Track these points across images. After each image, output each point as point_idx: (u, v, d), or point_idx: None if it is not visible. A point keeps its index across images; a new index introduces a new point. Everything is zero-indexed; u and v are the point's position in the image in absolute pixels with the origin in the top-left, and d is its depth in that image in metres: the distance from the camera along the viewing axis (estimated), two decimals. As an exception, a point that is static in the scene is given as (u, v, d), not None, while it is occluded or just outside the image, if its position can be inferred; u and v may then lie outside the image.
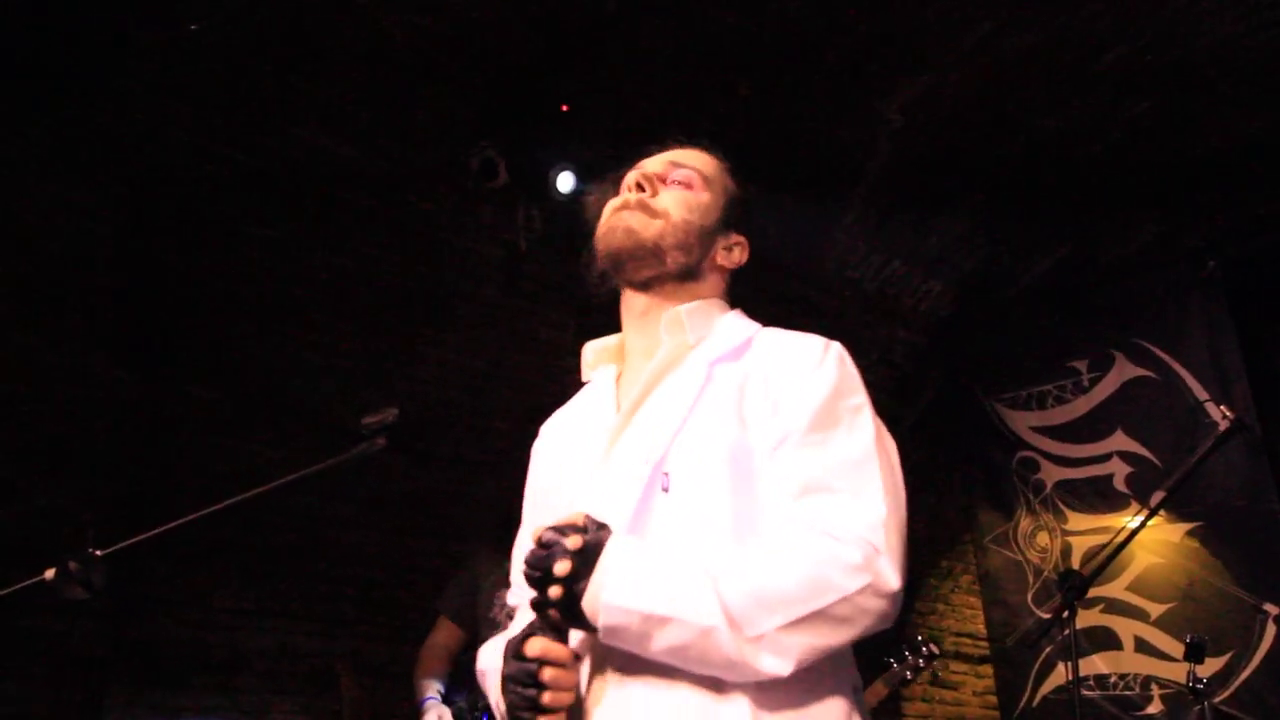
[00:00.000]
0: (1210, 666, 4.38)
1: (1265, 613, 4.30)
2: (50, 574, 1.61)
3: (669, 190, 1.53)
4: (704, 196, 1.53)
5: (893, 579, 1.20)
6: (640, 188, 1.50)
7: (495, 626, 2.74)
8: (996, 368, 5.41)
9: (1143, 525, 3.44)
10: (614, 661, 1.25)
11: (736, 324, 1.51)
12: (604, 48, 3.69)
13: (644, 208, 1.49)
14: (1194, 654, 3.14)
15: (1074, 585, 3.26)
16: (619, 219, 1.49)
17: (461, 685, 2.80)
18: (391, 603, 3.67)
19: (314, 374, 3.69)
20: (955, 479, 5.57)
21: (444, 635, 2.98)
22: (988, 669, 5.48)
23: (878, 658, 3.95)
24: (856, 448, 1.29)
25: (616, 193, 1.56)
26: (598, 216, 1.58)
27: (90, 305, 3.24)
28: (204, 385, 3.47)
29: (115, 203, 3.22)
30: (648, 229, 1.47)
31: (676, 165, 1.55)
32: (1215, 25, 3.69)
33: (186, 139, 3.34)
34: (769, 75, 3.92)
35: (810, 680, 1.20)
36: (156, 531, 1.71)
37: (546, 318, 4.30)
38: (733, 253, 1.57)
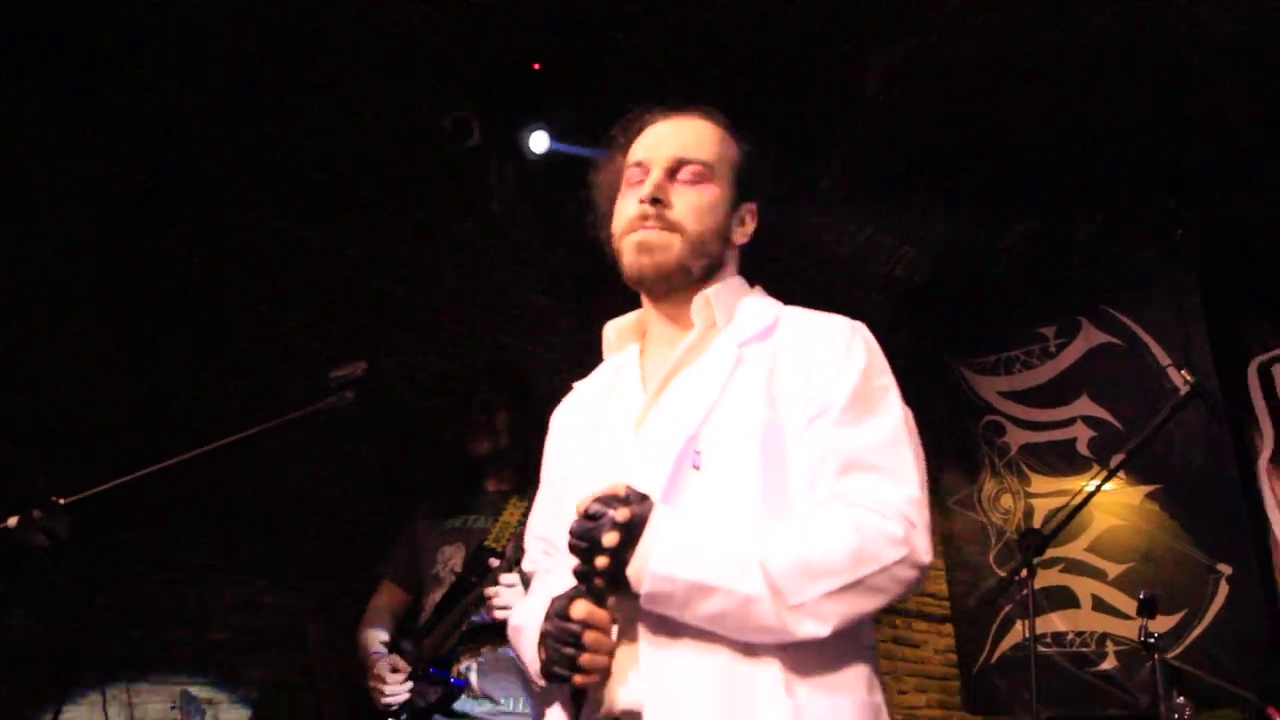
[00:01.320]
0: (1164, 623, 4.51)
1: (1219, 572, 4.41)
2: (13, 521, 1.61)
3: (680, 193, 1.51)
4: (714, 191, 1.53)
5: (926, 552, 1.28)
6: (655, 199, 1.48)
7: (438, 583, 2.76)
8: (966, 333, 5.46)
9: (1099, 487, 3.52)
10: (648, 625, 1.29)
11: (762, 305, 1.54)
12: (583, 12, 3.66)
13: (661, 220, 1.48)
14: (1146, 609, 3.21)
15: (1033, 544, 3.34)
16: (640, 242, 1.49)
17: (406, 646, 2.81)
18: (362, 560, 3.68)
19: (292, 336, 3.67)
20: (924, 443, 5.62)
21: (387, 597, 2.99)
22: (949, 628, 5.56)
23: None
24: (890, 427, 1.36)
25: (621, 173, 1.58)
26: (606, 196, 1.60)
27: (75, 276, 3.20)
28: (181, 347, 3.43)
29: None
30: (669, 251, 1.48)
31: (683, 162, 1.52)
32: (1191, 2, 3.71)
33: (167, 113, 3.31)
34: (749, 38, 3.89)
35: (836, 643, 1.27)
36: (120, 481, 1.71)
37: (525, 282, 4.29)
38: (745, 225, 1.58)
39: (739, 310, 1.51)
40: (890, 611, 5.46)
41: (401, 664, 2.64)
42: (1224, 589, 4.40)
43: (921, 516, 1.30)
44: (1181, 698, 3.68)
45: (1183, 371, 3.66)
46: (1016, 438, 5.12)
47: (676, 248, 1.48)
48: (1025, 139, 4.54)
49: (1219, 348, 4.57)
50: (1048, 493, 4.92)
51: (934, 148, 4.60)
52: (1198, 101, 4.28)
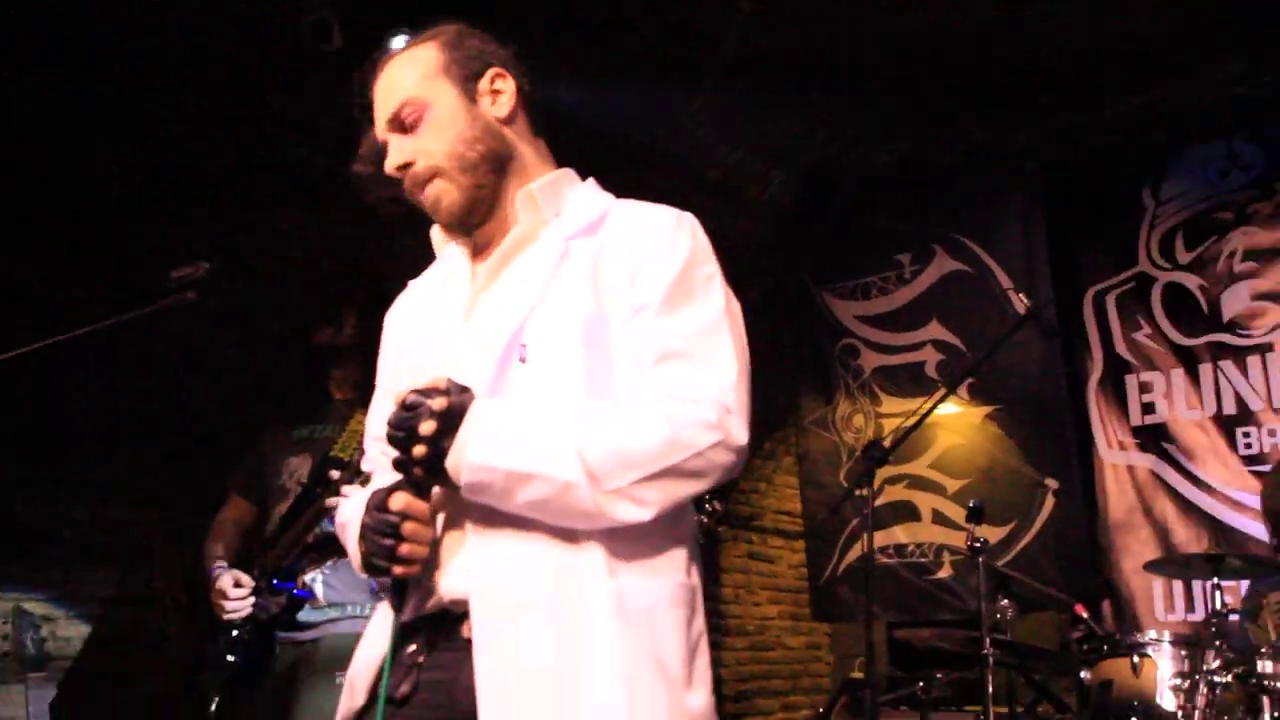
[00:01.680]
0: (996, 534, 4.81)
1: (1046, 486, 4.71)
2: None
3: (416, 140, 1.46)
4: (439, 110, 1.47)
5: (741, 435, 1.32)
6: (400, 167, 1.46)
7: (284, 494, 2.75)
8: (828, 259, 5.58)
9: (935, 405, 3.71)
10: (473, 515, 1.31)
11: (591, 197, 1.53)
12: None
13: (416, 180, 1.46)
14: (974, 516, 3.43)
15: (874, 456, 3.53)
16: (423, 204, 1.48)
17: (254, 559, 2.79)
18: (210, 474, 3.60)
19: (136, 236, 3.52)
20: (785, 365, 5.76)
21: (233, 511, 2.96)
22: (802, 543, 5.80)
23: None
24: (709, 315, 1.38)
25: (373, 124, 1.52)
26: (374, 159, 1.56)
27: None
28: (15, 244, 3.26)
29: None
30: (449, 197, 1.46)
31: (398, 112, 1.47)
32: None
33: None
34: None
35: (657, 528, 1.31)
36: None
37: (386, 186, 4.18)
38: (500, 99, 1.51)
39: (567, 203, 1.51)
40: (746, 528, 5.66)
41: (244, 578, 2.62)
42: (1050, 502, 4.71)
43: (738, 400, 1.33)
44: (1005, 600, 3.97)
45: (1020, 295, 3.85)
46: (870, 360, 5.30)
47: (451, 190, 1.46)
48: (887, 68, 4.62)
49: (1059, 276, 4.80)
50: (897, 413, 5.09)
51: (799, 73, 4.63)
52: (1049, 35, 4.40)
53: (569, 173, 1.57)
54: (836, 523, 5.27)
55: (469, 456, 1.24)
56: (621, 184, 1.60)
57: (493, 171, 1.48)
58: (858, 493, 4.08)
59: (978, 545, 3.36)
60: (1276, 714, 2.70)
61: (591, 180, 1.59)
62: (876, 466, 3.49)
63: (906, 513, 5.11)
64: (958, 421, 5.02)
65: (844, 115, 5.00)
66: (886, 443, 3.87)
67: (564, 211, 1.49)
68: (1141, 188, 4.76)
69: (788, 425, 5.80)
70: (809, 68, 4.64)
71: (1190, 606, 4.40)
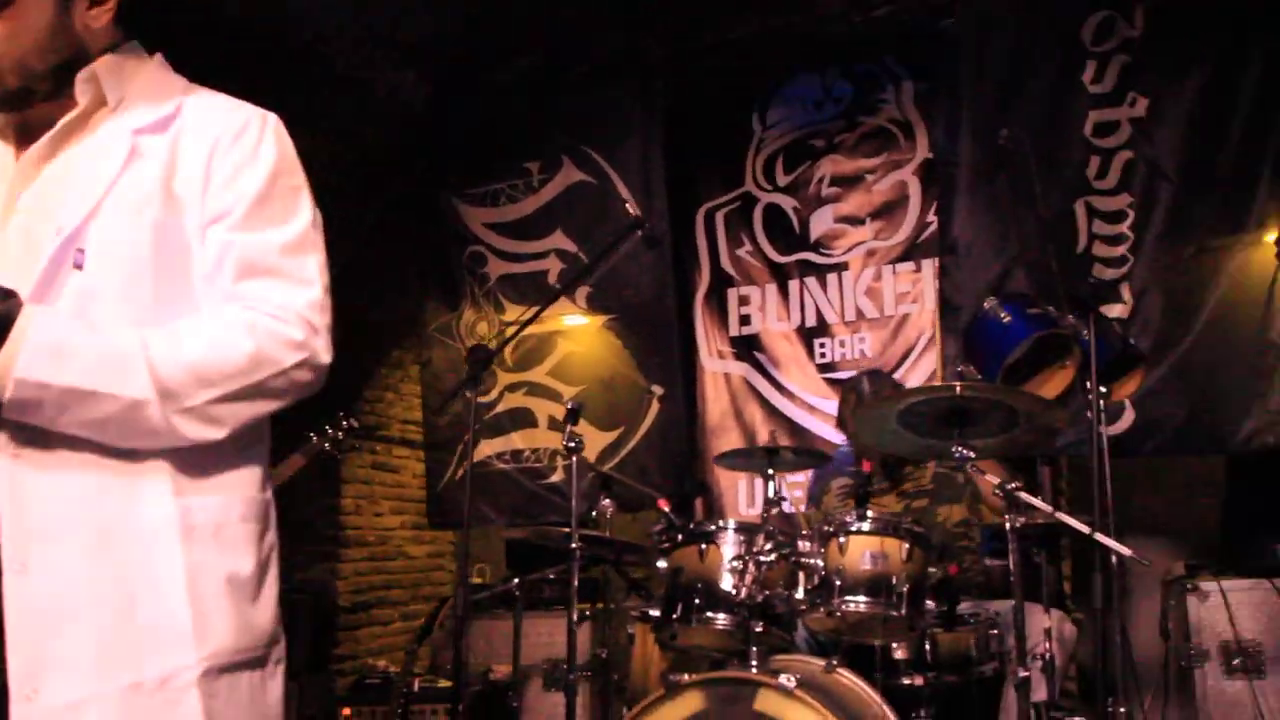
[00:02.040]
0: (606, 439, 5.01)
1: (653, 393, 4.94)
2: None
3: None
4: (24, 14, 1.31)
5: (326, 354, 1.31)
6: None
7: None
8: (458, 165, 5.45)
9: (539, 312, 3.74)
10: (10, 436, 1.18)
11: (162, 82, 1.39)
12: None
13: None
14: (571, 418, 3.51)
15: (479, 358, 3.53)
16: None
17: None
18: None
19: None
20: (411, 272, 5.64)
21: None
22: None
23: (300, 432, 3.97)
24: (296, 230, 1.33)
25: None
26: None
27: None
28: None
29: None
30: None
31: None
32: None
33: None
34: None
35: (230, 445, 1.26)
36: None
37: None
38: (98, 9, 1.36)
39: (134, 88, 1.36)
40: (371, 438, 5.54)
41: None
42: (656, 407, 4.93)
43: (323, 320, 1.32)
44: (607, 500, 4.14)
45: (629, 205, 3.95)
46: (496, 268, 5.28)
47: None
48: None
49: (675, 192, 4.97)
50: (517, 320, 5.15)
51: None
52: None
53: (135, 49, 1.41)
54: (456, 430, 5.25)
55: (18, 371, 1.11)
56: (238, 78, 1.46)
57: (57, 76, 1.33)
58: (467, 397, 4.09)
59: (571, 445, 3.45)
60: (809, 586, 3.01)
61: (159, 57, 1.44)
62: (481, 370, 3.49)
63: (524, 419, 5.19)
64: (577, 330, 5.14)
65: (478, 19, 4.87)
66: (492, 344, 3.89)
67: (130, 96, 1.35)
68: (752, 112, 5.02)
69: (414, 334, 5.68)
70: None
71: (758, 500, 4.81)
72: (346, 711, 4.50)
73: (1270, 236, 3.96)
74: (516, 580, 3.99)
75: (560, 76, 5.15)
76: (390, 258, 5.43)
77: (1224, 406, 3.99)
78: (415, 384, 5.82)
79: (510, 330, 5.11)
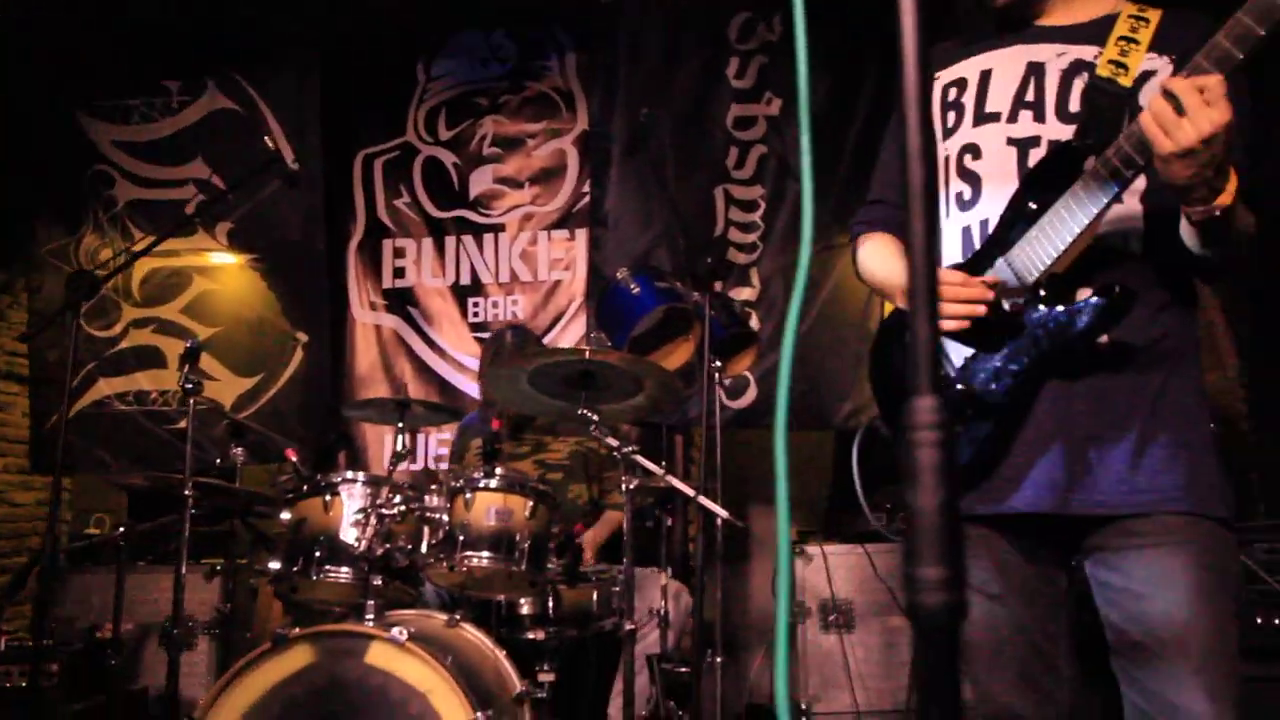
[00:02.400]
0: (244, 384, 4.81)
1: (297, 340, 4.79)
2: None
3: None
4: None
5: None
6: None
7: None
8: (86, 72, 4.94)
9: (151, 247, 3.48)
10: None
11: None
12: None
13: None
14: (189, 357, 3.32)
15: (79, 285, 3.27)
16: None
17: None
18: None
19: None
20: (23, 186, 5.05)
21: None
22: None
23: None
24: None
25: None
26: None
27: None
28: None
29: None
30: None
31: None
32: None
33: None
34: None
35: None
36: None
37: None
38: None
39: None
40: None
41: None
42: (300, 355, 4.80)
43: None
44: (240, 449, 3.96)
45: (266, 139, 3.78)
46: (125, 191, 4.87)
47: None
48: None
49: (333, 135, 4.82)
50: (153, 253, 4.81)
51: None
52: None
53: None
54: (66, 366, 4.83)
55: None
56: None
57: None
58: (80, 328, 3.78)
59: (189, 387, 3.27)
60: (433, 541, 3.04)
61: None
62: (85, 298, 3.22)
63: (152, 359, 4.86)
64: (216, 269, 4.88)
65: None
66: (101, 272, 3.60)
67: None
68: (417, 61, 4.95)
69: (24, 256, 5.12)
70: None
71: (413, 458, 4.81)
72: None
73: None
74: (121, 530, 3.71)
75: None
76: (-2, 168, 4.87)
77: (830, 388, 4.46)
78: (25, 312, 5.26)
79: (143, 263, 4.78)
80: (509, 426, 3.90)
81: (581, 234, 4.78)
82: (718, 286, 3.58)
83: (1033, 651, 1.85)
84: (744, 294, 4.52)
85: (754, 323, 4.50)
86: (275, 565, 3.05)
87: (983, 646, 1.86)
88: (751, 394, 4.55)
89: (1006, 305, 1.76)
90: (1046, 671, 1.86)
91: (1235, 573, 1.80)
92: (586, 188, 4.78)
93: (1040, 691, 1.85)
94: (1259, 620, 2.89)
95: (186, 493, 3.19)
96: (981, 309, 1.76)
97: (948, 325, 1.79)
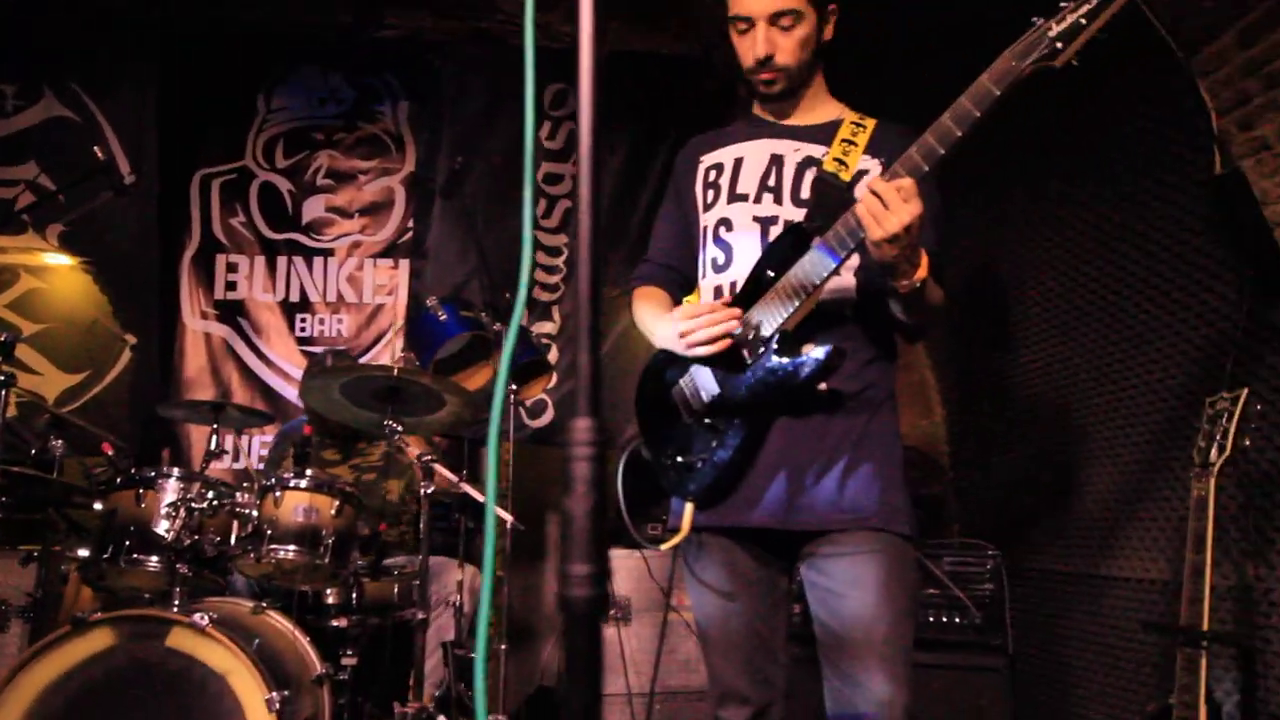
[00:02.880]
0: (70, 380, 4.52)
1: (125, 341, 4.53)
2: None
3: None
4: None
5: None
6: None
7: None
8: None
9: None
10: None
11: None
12: None
13: None
14: (4, 351, 3.13)
15: None
16: None
17: None
18: None
19: None
20: None
21: None
22: None
23: None
24: None
25: None
26: None
27: None
28: None
29: None
30: None
31: None
32: None
33: None
34: None
35: None
36: None
37: None
38: None
39: None
40: None
41: None
42: (128, 355, 4.54)
43: None
44: (59, 440, 3.70)
45: (96, 149, 3.58)
46: (-49, 188, 4.51)
47: None
48: None
49: (172, 151, 4.58)
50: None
51: None
52: None
53: None
54: None
55: None
56: None
57: None
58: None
59: (4, 377, 3.07)
60: (241, 534, 2.95)
61: None
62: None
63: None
64: (47, 269, 4.55)
65: None
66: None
67: None
68: (258, 92, 4.80)
69: None
70: None
71: (236, 456, 4.62)
72: None
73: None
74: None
75: (50, 3, 4.49)
76: None
77: (616, 415, 4.55)
78: None
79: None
80: (327, 435, 3.83)
81: (404, 264, 4.76)
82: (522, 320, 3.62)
83: (757, 642, 1.92)
84: (546, 328, 4.60)
85: (553, 354, 4.58)
86: (84, 552, 2.91)
87: (717, 638, 1.95)
88: (549, 415, 4.61)
89: (748, 357, 1.85)
90: (768, 658, 1.93)
91: (913, 579, 1.95)
92: (410, 223, 4.76)
93: (762, 675, 1.92)
94: (943, 619, 3.05)
95: (-5, 481, 2.96)
96: (734, 327, 1.84)
97: (701, 351, 1.86)
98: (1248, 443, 2.35)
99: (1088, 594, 3.14)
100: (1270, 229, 2.39)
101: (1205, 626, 2.25)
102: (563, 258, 4.64)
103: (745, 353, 1.86)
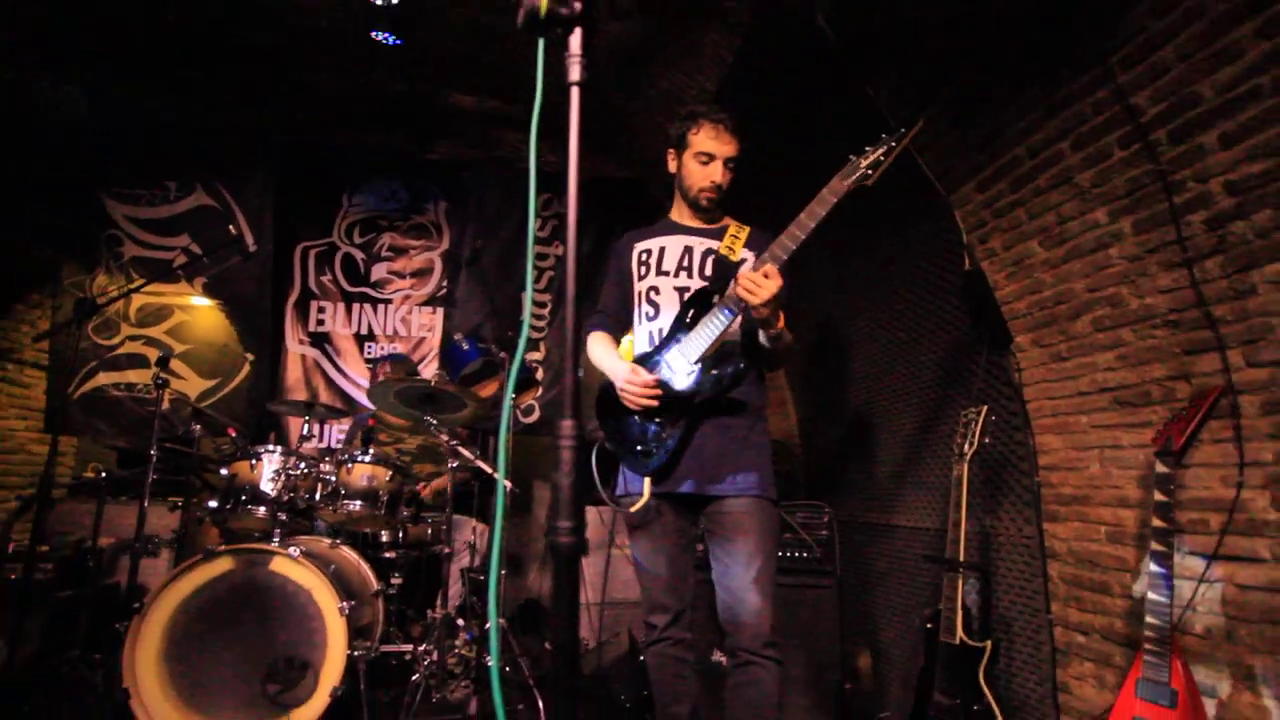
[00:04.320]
0: (205, 384, 4.42)
1: (246, 358, 4.46)
2: None
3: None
4: None
5: None
6: None
7: None
8: (114, 170, 4.41)
9: (139, 288, 3.24)
10: None
11: None
12: None
13: None
14: (161, 363, 3.10)
15: (84, 309, 2.97)
16: None
17: None
18: None
19: None
20: (55, 237, 4.45)
21: None
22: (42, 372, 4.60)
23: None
24: None
25: None
26: None
27: None
28: None
29: None
30: None
31: None
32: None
33: None
34: None
35: None
36: None
37: None
38: None
39: None
40: (2, 359, 4.30)
41: None
42: (247, 368, 4.47)
43: None
44: (198, 426, 3.64)
45: (231, 228, 3.57)
46: (130, 250, 4.40)
47: None
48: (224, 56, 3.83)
49: (282, 230, 4.55)
50: (146, 291, 4.34)
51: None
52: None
53: None
54: (78, 362, 4.29)
55: None
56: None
57: None
58: (96, 340, 3.38)
59: (159, 381, 3.04)
60: (323, 493, 2.92)
61: None
62: (87, 317, 2.93)
63: (139, 362, 4.38)
64: (194, 307, 4.48)
65: (142, 80, 3.99)
66: (100, 300, 3.26)
67: None
68: (343, 191, 4.77)
69: (52, 284, 4.51)
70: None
71: (320, 438, 4.56)
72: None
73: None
74: (103, 474, 3.34)
75: (199, 127, 4.45)
76: (35, 224, 4.27)
77: (586, 414, 4.58)
78: (49, 322, 4.61)
79: (139, 297, 4.34)
80: (382, 424, 3.81)
81: (440, 311, 4.73)
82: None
83: (675, 570, 1.93)
84: (534, 355, 4.61)
85: (539, 374, 4.61)
86: (213, 504, 2.90)
87: (649, 568, 1.95)
88: (536, 415, 4.62)
89: (676, 385, 1.87)
90: (682, 581, 1.94)
91: (777, 528, 1.92)
92: (445, 283, 4.75)
93: (677, 593, 1.93)
94: (795, 554, 3.03)
95: (152, 452, 2.93)
96: (656, 395, 1.84)
97: (632, 406, 1.88)
98: (987, 440, 2.47)
99: (886, 537, 3.21)
100: (998, 305, 2.50)
101: (961, 558, 2.35)
102: (547, 309, 4.67)
103: (676, 385, 1.87)
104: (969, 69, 2.23)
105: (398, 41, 3.35)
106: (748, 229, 2.02)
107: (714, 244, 2.00)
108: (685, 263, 2.00)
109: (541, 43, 1.07)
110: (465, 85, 4.19)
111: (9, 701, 2.59)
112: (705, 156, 1.97)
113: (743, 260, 1.96)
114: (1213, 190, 1.80)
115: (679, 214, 2.09)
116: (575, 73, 1.03)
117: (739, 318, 1.83)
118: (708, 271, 1.97)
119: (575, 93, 1.02)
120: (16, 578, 3.01)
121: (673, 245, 2.03)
